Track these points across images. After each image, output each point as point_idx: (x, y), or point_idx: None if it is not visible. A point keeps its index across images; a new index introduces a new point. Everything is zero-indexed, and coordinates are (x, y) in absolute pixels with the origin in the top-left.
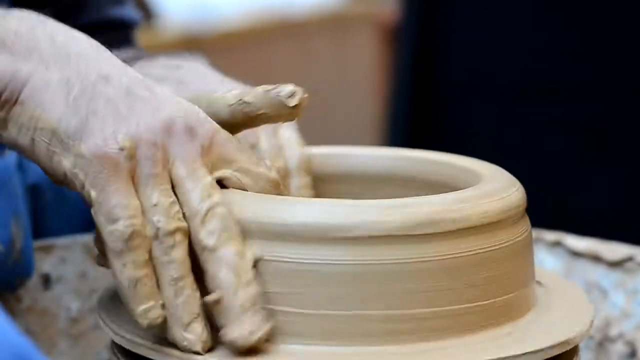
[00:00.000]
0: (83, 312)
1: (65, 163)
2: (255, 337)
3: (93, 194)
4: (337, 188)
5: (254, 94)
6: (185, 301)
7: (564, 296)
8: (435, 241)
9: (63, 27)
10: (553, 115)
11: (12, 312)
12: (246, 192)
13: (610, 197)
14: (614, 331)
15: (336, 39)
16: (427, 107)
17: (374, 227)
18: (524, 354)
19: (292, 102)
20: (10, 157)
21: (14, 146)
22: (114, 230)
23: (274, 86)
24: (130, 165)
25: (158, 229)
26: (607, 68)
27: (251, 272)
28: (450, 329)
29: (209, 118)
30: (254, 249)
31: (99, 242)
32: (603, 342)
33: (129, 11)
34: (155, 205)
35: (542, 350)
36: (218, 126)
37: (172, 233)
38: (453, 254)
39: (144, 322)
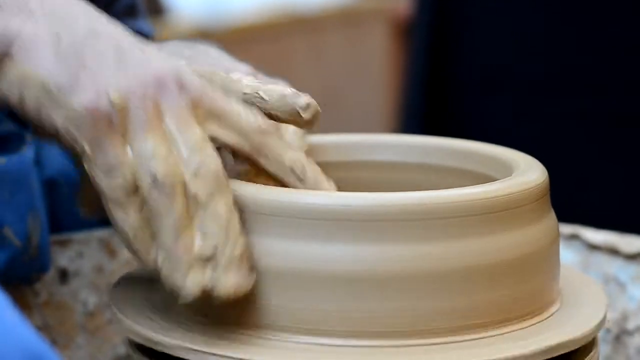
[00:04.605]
0: (100, 307)
1: (56, 118)
2: (241, 291)
3: (87, 148)
4: (363, 175)
5: (271, 93)
6: (186, 246)
7: (581, 290)
8: (473, 233)
9: None
10: (568, 110)
11: (29, 306)
12: (260, 185)
13: (627, 190)
14: (631, 324)
15: (349, 33)
16: (440, 102)
17: (402, 217)
18: (539, 351)
19: (307, 115)
20: (28, 152)
21: (3, 103)
22: (114, 182)
23: (292, 91)
24: (122, 119)
25: (155, 175)
26: (621, 63)
27: (239, 225)
28: (467, 325)
29: (196, 75)
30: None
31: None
32: (620, 336)
33: (143, 24)
34: (150, 151)
35: (559, 345)
36: (206, 82)
37: (172, 183)
38: (487, 244)
39: (159, 265)
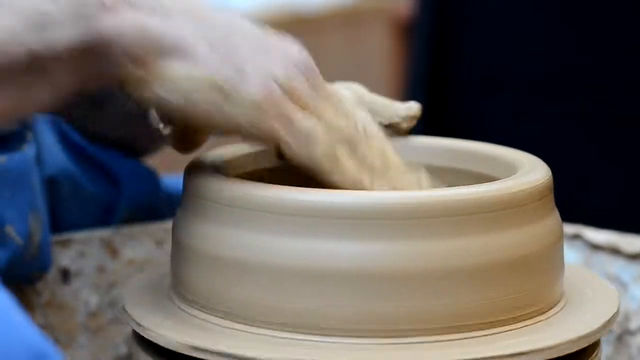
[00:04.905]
0: (102, 306)
1: (236, 114)
2: None
3: (280, 130)
4: None
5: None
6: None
7: (588, 291)
8: (476, 231)
9: None
10: (568, 110)
11: (31, 306)
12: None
13: (627, 190)
14: (633, 324)
15: (349, 33)
16: (441, 102)
17: (410, 216)
18: (543, 349)
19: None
20: (29, 150)
21: (159, 106)
22: (321, 147)
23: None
24: (294, 95)
25: (361, 126)
26: (621, 63)
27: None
28: (469, 324)
29: None
30: None
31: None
32: (623, 336)
33: None
34: (334, 112)
35: (564, 343)
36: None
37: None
38: (490, 242)
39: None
